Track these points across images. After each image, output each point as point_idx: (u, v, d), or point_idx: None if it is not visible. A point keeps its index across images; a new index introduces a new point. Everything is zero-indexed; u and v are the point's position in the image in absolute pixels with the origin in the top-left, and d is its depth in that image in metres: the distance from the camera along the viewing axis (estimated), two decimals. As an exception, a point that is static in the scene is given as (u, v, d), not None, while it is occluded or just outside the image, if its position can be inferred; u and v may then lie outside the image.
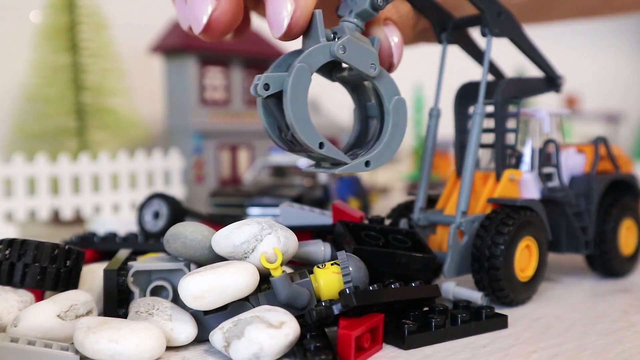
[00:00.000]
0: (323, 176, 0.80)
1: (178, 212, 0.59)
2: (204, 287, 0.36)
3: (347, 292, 0.37)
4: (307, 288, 0.39)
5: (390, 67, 0.44)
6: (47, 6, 0.96)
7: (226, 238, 0.39)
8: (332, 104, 1.19)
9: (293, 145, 0.41)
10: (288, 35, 0.40)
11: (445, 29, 0.51)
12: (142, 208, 0.60)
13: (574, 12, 0.80)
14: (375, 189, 1.18)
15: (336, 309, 0.36)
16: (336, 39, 0.40)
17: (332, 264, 0.40)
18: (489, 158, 0.53)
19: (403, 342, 0.38)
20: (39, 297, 0.42)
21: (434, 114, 0.52)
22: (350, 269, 0.39)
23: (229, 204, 0.73)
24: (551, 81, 0.54)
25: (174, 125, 0.99)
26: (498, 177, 0.50)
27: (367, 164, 0.41)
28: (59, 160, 0.87)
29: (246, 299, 0.39)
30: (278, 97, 0.39)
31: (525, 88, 0.52)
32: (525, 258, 0.47)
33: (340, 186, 0.83)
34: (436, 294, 0.41)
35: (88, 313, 0.40)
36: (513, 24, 0.49)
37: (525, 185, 0.51)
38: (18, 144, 0.97)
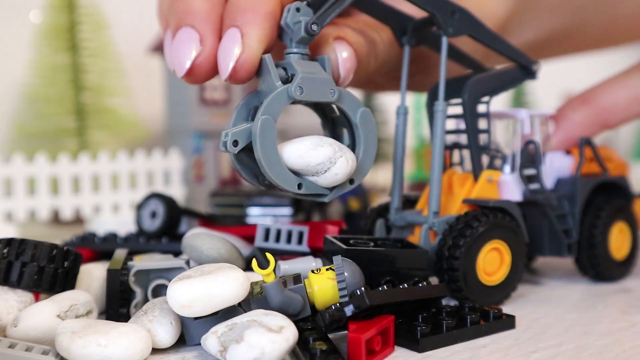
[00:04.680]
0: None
1: (174, 211, 0.59)
2: (191, 296, 0.36)
3: (358, 292, 0.36)
4: (301, 294, 0.39)
5: (337, 81, 0.44)
6: (47, 6, 0.96)
7: (301, 158, 0.40)
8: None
9: (274, 187, 0.42)
10: (234, 79, 0.41)
11: (405, 32, 0.50)
12: (139, 208, 0.61)
13: (594, 43, 0.79)
14: (375, 188, 1.18)
15: (348, 310, 0.36)
16: (288, 75, 0.41)
17: (327, 269, 0.40)
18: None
19: (417, 345, 0.38)
20: (39, 298, 0.42)
21: (402, 112, 0.51)
22: (346, 274, 0.39)
23: (229, 204, 0.73)
24: (525, 69, 0.52)
25: (174, 125, 0.99)
26: (476, 178, 0.49)
27: (351, 182, 0.43)
28: (59, 160, 0.87)
29: (238, 304, 0.38)
30: (248, 147, 0.40)
31: (496, 83, 0.50)
32: (492, 262, 0.46)
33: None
34: (444, 293, 0.41)
35: (88, 313, 0.40)
36: (470, 20, 0.48)
37: (505, 186, 0.50)
38: (18, 144, 0.97)
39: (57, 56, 0.95)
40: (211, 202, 0.75)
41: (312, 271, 0.40)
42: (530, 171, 0.51)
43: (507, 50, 0.51)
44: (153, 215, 0.60)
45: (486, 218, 0.45)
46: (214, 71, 0.42)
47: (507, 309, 0.45)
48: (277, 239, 0.50)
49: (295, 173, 0.41)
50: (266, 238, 0.50)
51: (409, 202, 0.53)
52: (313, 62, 0.42)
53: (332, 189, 0.42)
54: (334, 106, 0.44)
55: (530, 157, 0.51)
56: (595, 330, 0.42)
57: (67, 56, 0.95)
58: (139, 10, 1.15)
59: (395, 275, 0.42)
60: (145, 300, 0.43)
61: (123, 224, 0.77)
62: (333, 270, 0.39)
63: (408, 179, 1.35)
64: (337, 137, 0.46)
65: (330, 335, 0.38)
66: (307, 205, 0.72)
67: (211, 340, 0.35)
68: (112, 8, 1.01)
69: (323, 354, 0.34)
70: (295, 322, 0.36)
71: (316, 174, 0.41)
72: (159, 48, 0.98)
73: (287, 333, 0.34)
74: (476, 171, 0.49)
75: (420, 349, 0.38)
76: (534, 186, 0.51)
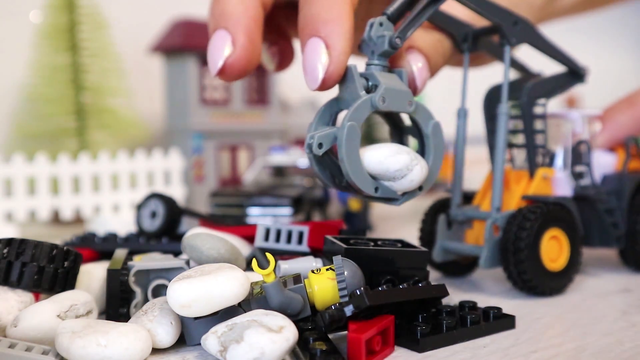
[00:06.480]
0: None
1: (174, 211, 0.59)
2: (191, 296, 0.36)
3: (358, 292, 0.36)
4: (301, 294, 0.39)
5: (414, 92, 0.47)
6: (47, 6, 0.96)
7: (381, 163, 0.43)
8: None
9: (349, 188, 0.45)
10: (322, 88, 0.43)
11: (466, 39, 0.53)
12: (139, 208, 0.61)
13: None
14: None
15: (348, 310, 0.36)
16: (369, 84, 0.43)
17: (327, 269, 0.40)
18: (523, 157, 0.55)
19: (417, 345, 0.38)
20: (39, 298, 0.42)
21: (462, 114, 0.54)
22: (346, 274, 0.38)
23: (229, 204, 0.73)
24: (575, 74, 0.56)
25: (174, 125, 0.99)
26: (531, 176, 0.53)
27: (420, 188, 0.45)
28: (59, 160, 0.87)
29: (238, 304, 0.38)
30: (329, 150, 0.43)
31: (550, 87, 0.55)
32: (553, 249, 0.50)
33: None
34: (444, 293, 0.41)
35: (88, 313, 0.40)
36: (530, 30, 0.52)
37: (558, 183, 0.54)
38: (18, 144, 0.97)
39: (57, 56, 0.95)
40: (211, 202, 0.75)
41: (312, 271, 0.40)
42: (580, 168, 0.55)
43: (560, 56, 0.55)
44: (153, 215, 0.60)
45: (541, 210, 0.49)
46: (246, 70, 0.45)
47: (507, 309, 0.45)
48: (277, 239, 0.50)
49: (372, 177, 0.43)
50: (266, 238, 0.50)
51: (464, 198, 0.56)
52: (392, 74, 0.45)
53: (404, 193, 0.45)
54: (402, 116, 0.46)
55: (581, 155, 0.55)
56: (595, 330, 0.42)
57: (67, 56, 0.95)
58: (139, 10, 1.15)
59: (395, 275, 0.42)
60: (145, 300, 0.43)
61: (123, 224, 0.77)
62: (333, 270, 0.39)
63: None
64: (404, 145, 0.48)
65: (330, 335, 0.38)
66: (307, 205, 0.72)
67: (211, 340, 0.35)
68: (112, 8, 1.01)
69: (323, 354, 0.34)
70: (295, 322, 0.36)
71: (393, 180, 0.43)
72: (159, 48, 0.98)
73: (287, 333, 0.34)
74: (532, 169, 0.53)
75: (420, 349, 0.38)
76: (584, 182, 0.55)
